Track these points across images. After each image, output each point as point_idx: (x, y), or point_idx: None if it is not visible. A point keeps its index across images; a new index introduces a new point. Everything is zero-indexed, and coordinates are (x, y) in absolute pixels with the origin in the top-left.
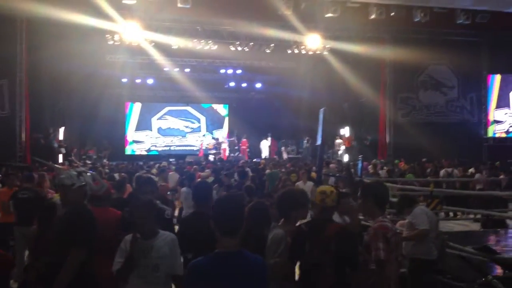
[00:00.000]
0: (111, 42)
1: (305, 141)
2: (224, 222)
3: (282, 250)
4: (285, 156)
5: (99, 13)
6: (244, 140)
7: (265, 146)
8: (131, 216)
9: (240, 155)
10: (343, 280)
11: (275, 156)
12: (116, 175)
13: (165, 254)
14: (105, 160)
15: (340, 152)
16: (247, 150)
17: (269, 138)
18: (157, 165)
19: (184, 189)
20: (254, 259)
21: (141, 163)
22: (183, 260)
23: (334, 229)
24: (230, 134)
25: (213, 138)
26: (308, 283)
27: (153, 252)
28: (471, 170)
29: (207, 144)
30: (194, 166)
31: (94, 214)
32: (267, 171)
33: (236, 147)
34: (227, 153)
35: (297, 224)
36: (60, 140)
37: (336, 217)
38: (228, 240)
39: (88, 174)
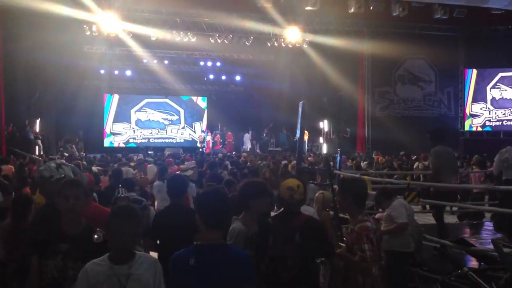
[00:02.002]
0: (88, 33)
1: (264, 135)
2: (209, 215)
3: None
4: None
5: (76, 3)
6: (229, 133)
7: (247, 139)
8: (107, 228)
9: (221, 148)
10: (306, 272)
11: (257, 150)
12: (95, 168)
13: (147, 284)
14: (82, 153)
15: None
16: (233, 143)
17: (251, 132)
18: (135, 157)
19: (156, 182)
20: (238, 252)
21: (119, 155)
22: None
23: (299, 220)
24: (215, 127)
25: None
26: (270, 276)
27: (132, 282)
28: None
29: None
30: (169, 159)
31: None
32: (248, 164)
33: (221, 140)
34: (210, 146)
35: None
36: (37, 132)
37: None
38: (212, 233)
39: (68, 166)
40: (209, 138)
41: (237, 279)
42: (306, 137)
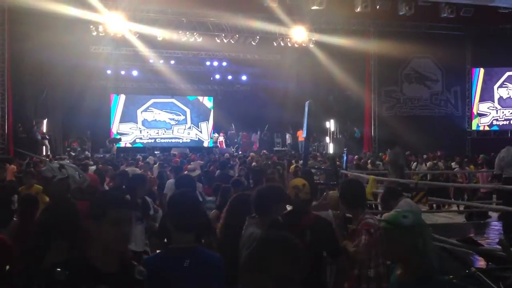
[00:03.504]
0: (95, 33)
1: (262, 134)
2: (178, 217)
3: None
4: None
5: (83, 3)
6: (244, 133)
7: (255, 139)
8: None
9: (228, 148)
10: (317, 271)
11: (264, 151)
12: (94, 167)
13: None
14: (87, 153)
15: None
16: (248, 142)
17: (259, 132)
18: (141, 157)
19: (170, 180)
20: (209, 255)
21: (123, 155)
22: None
23: (309, 219)
24: (230, 127)
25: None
26: None
27: None
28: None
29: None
30: (175, 159)
31: (79, 207)
32: (253, 164)
33: (236, 140)
34: (224, 146)
35: None
36: (44, 132)
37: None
38: (182, 236)
39: (72, 167)
40: (221, 138)
41: (209, 281)
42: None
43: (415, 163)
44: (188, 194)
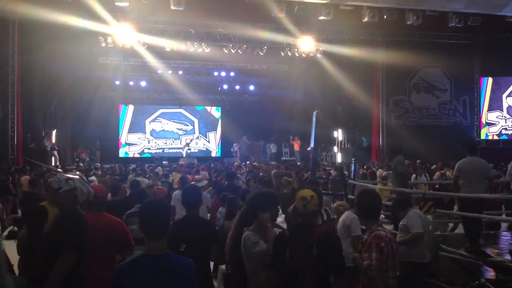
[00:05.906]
0: (104, 44)
1: (271, 144)
2: (150, 226)
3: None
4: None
5: (92, 15)
6: (258, 143)
7: (268, 149)
8: None
9: (235, 157)
10: (325, 285)
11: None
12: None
13: None
14: (97, 163)
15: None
16: (261, 152)
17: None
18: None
19: (176, 191)
20: (181, 261)
21: (133, 165)
22: None
23: (317, 233)
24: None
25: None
26: None
27: None
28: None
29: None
30: (184, 169)
31: (86, 218)
32: (260, 174)
33: (256, 150)
34: (238, 155)
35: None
36: (53, 143)
37: None
38: (154, 243)
39: (79, 179)
40: (236, 148)
41: (180, 286)
42: (298, 146)
43: (414, 175)
44: (156, 203)
